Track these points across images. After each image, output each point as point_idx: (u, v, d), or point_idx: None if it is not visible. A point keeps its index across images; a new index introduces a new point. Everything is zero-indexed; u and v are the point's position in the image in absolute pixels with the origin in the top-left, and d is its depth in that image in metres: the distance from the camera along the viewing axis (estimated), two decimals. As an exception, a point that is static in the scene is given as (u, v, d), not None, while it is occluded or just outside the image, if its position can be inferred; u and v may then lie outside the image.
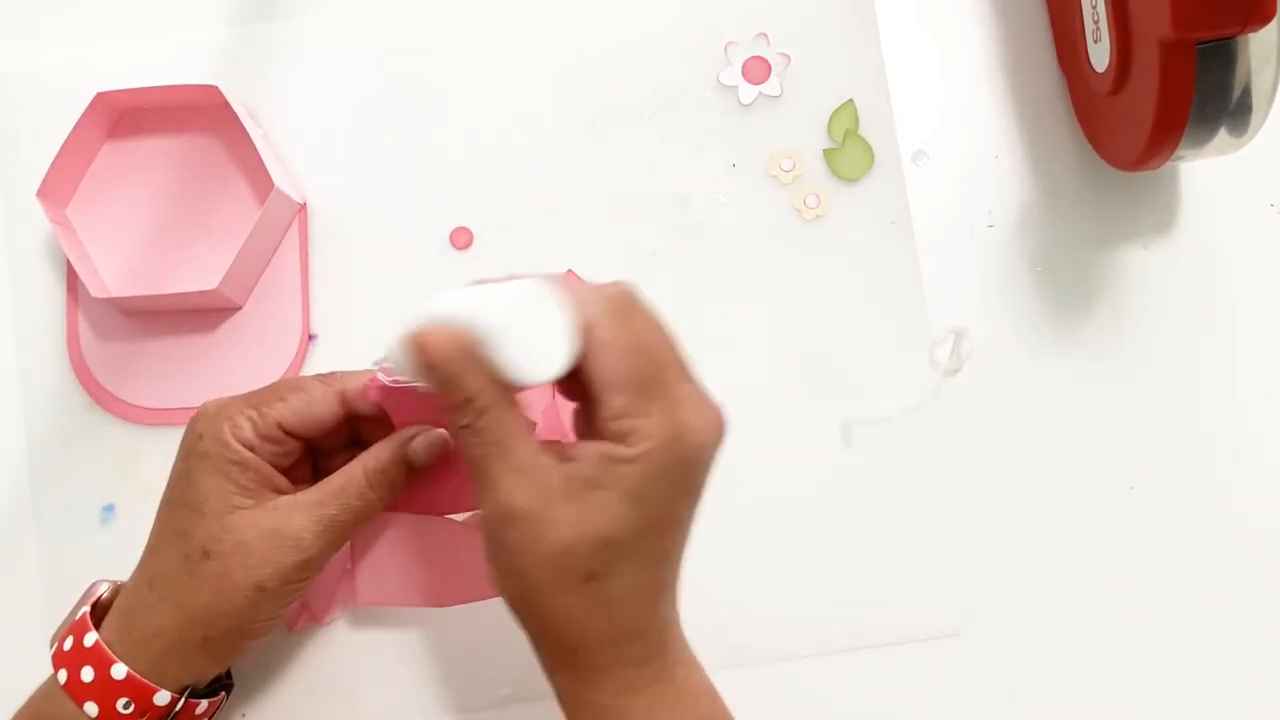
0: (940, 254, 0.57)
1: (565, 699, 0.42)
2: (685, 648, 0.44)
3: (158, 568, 0.46)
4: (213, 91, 0.54)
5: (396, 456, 0.46)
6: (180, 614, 0.45)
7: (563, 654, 0.42)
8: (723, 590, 0.53)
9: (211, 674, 0.47)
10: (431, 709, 0.53)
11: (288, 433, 0.46)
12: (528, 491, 0.39)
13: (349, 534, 0.47)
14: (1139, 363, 0.57)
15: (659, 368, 0.40)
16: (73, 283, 0.56)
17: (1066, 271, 0.57)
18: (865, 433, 0.55)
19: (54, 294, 0.57)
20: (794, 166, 0.57)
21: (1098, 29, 0.53)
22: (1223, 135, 0.51)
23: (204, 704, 0.47)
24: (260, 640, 0.48)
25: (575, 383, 0.41)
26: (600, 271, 0.50)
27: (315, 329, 0.56)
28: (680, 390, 0.40)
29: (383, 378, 0.46)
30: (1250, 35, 0.47)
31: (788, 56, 0.58)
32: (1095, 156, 0.57)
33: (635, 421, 0.39)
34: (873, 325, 0.56)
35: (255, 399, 0.46)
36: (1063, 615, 0.55)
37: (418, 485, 0.48)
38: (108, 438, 0.55)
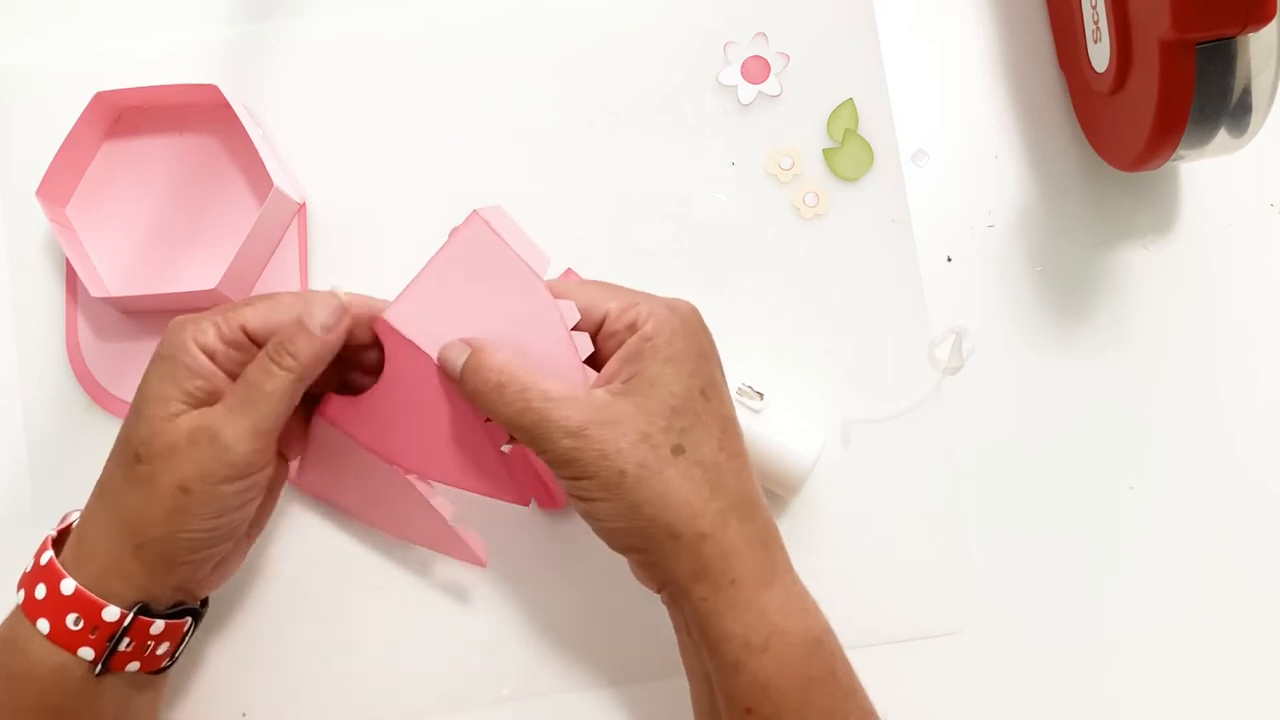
0: (940, 254, 0.57)
1: (707, 622, 0.43)
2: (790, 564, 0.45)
3: (104, 477, 0.46)
4: (213, 91, 0.54)
5: (292, 320, 0.45)
6: (114, 522, 0.44)
7: (694, 549, 0.42)
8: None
9: (159, 592, 0.45)
10: (432, 707, 0.53)
11: (252, 338, 0.46)
12: (580, 408, 0.42)
13: (273, 426, 0.45)
14: (1139, 363, 0.57)
15: (627, 288, 0.46)
16: (72, 282, 0.56)
17: (1066, 271, 0.57)
18: (865, 432, 0.55)
19: (53, 293, 0.57)
20: (793, 165, 0.57)
21: (1098, 29, 0.53)
22: (1223, 135, 0.51)
23: (160, 624, 0.45)
24: (202, 556, 0.46)
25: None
26: (600, 270, 0.50)
27: (315, 328, 0.56)
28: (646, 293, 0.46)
29: (393, 322, 0.46)
30: (1250, 35, 0.47)
31: (787, 56, 0.58)
32: (1095, 156, 0.57)
33: (638, 308, 0.44)
34: (873, 325, 0.56)
35: (226, 307, 0.46)
36: (1064, 614, 0.55)
37: (364, 411, 0.48)
38: (108, 437, 0.54)
